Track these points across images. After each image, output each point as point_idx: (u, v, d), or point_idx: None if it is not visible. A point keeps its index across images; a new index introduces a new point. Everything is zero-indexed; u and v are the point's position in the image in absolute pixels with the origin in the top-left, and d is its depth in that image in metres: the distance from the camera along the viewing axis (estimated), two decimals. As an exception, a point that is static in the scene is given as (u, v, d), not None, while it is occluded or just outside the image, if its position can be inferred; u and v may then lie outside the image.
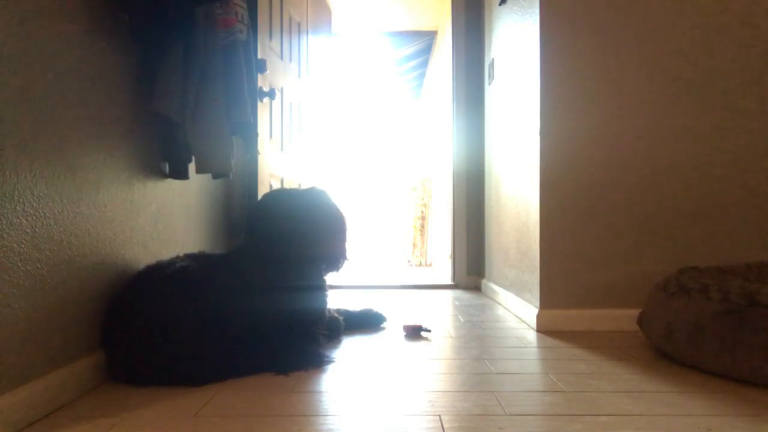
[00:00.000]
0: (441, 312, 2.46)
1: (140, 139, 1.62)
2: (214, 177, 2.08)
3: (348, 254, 1.80)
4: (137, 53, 1.58)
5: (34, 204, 1.13)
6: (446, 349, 1.73)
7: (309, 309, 1.68)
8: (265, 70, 2.50)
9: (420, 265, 5.99)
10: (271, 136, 2.69)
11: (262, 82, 2.51)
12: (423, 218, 6.19)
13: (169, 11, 1.56)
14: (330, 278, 1.86)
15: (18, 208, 1.07)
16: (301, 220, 1.66)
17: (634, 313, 1.83)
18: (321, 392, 1.30)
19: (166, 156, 1.78)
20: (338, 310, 2.04)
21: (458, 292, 3.20)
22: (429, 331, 1.95)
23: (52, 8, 1.20)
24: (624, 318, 1.94)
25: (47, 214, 1.17)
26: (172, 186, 1.85)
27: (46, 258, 1.16)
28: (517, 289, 2.39)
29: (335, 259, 1.76)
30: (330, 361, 1.56)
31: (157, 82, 1.60)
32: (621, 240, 2.01)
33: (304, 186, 3.24)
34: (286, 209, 1.68)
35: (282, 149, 2.87)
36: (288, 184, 2.96)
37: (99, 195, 1.38)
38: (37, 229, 1.13)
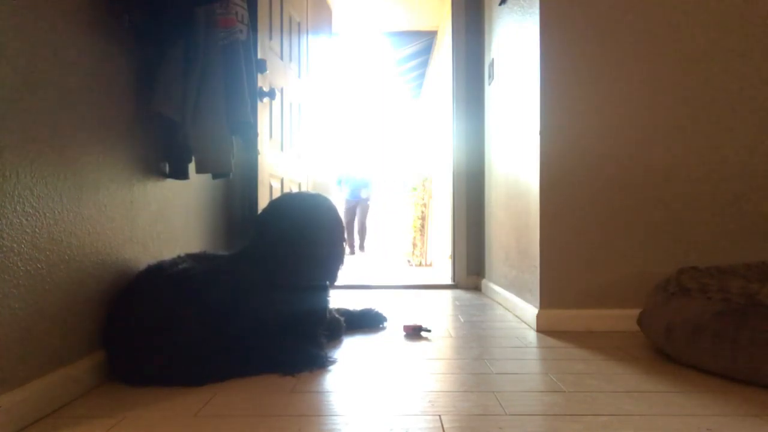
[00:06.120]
0: (441, 312, 2.46)
1: (140, 139, 1.62)
2: (214, 177, 2.07)
3: (343, 260, 1.80)
4: (137, 53, 1.58)
5: (34, 204, 1.13)
6: (446, 349, 1.73)
7: (311, 310, 1.69)
8: (265, 70, 2.50)
9: (420, 265, 5.98)
10: (271, 136, 2.69)
11: (262, 82, 2.51)
12: (423, 218, 6.19)
13: (169, 11, 1.56)
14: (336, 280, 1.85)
15: (18, 208, 1.07)
16: (306, 223, 1.66)
17: (634, 313, 1.83)
18: (321, 392, 1.30)
19: (166, 156, 1.78)
20: (339, 310, 2.04)
21: (458, 292, 3.19)
22: (429, 331, 1.95)
23: (52, 8, 1.20)
24: (624, 318, 1.94)
25: (47, 214, 1.17)
26: (172, 186, 1.85)
27: (46, 258, 1.16)
28: (517, 289, 2.39)
29: (333, 265, 1.76)
30: (333, 362, 1.56)
31: (157, 82, 1.60)
32: (621, 240, 2.01)
33: (305, 187, 3.25)
34: (292, 213, 1.68)
35: (282, 149, 2.87)
36: (288, 184, 2.96)
37: (99, 195, 1.38)
38: (37, 229, 1.13)
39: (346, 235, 7.72)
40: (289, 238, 1.63)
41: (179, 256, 1.62)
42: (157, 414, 1.14)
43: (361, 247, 8.13)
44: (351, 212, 7.84)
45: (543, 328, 1.99)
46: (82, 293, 1.30)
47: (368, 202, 7.95)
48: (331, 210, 1.76)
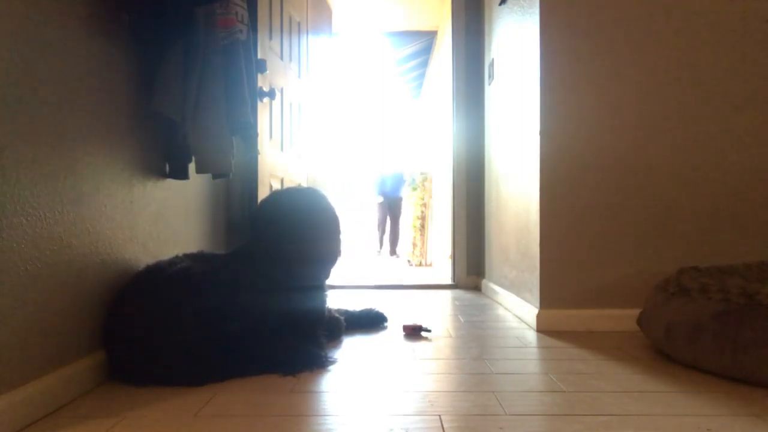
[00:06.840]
0: (441, 312, 2.46)
1: (140, 139, 1.62)
2: (214, 177, 2.07)
3: (339, 255, 1.79)
4: (137, 53, 1.58)
5: (34, 204, 1.13)
6: (446, 349, 1.73)
7: (309, 309, 1.68)
8: (265, 70, 2.50)
9: (420, 265, 5.98)
10: (271, 136, 2.69)
11: (262, 82, 2.51)
12: (423, 218, 6.19)
13: (168, 11, 1.56)
14: (330, 278, 1.85)
15: (18, 208, 1.07)
16: (300, 221, 1.66)
17: (634, 313, 1.83)
18: (321, 392, 1.30)
19: (166, 156, 1.78)
20: (339, 310, 2.04)
21: (458, 292, 3.19)
22: (429, 331, 1.95)
23: (52, 8, 1.20)
24: (624, 318, 1.94)
25: (47, 214, 1.17)
26: (172, 186, 1.85)
27: (46, 258, 1.16)
28: (517, 289, 2.39)
29: (327, 263, 1.76)
30: (333, 362, 1.56)
31: (157, 81, 1.60)
32: (621, 240, 2.01)
33: (304, 186, 3.24)
34: (286, 210, 1.68)
35: (282, 149, 2.86)
36: (288, 184, 2.96)
37: (99, 195, 1.38)
38: (37, 229, 1.13)
39: (378, 232, 7.52)
40: (281, 237, 1.63)
41: (177, 256, 1.62)
42: (157, 414, 1.14)
43: (393, 252, 7.35)
44: (385, 210, 7.31)
45: (543, 328, 1.99)
46: (82, 293, 1.30)
47: (402, 201, 7.27)
48: (325, 206, 1.75)
